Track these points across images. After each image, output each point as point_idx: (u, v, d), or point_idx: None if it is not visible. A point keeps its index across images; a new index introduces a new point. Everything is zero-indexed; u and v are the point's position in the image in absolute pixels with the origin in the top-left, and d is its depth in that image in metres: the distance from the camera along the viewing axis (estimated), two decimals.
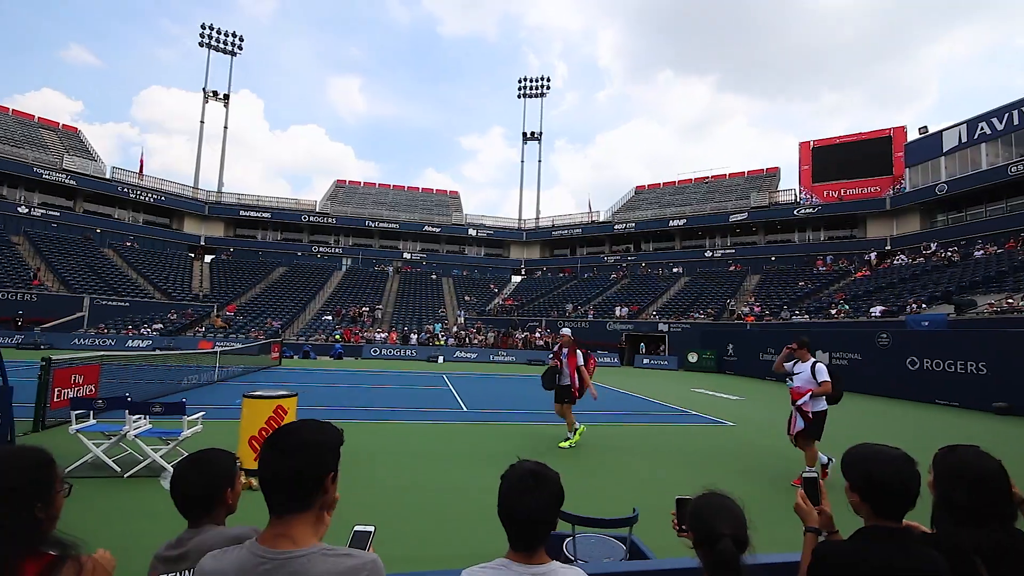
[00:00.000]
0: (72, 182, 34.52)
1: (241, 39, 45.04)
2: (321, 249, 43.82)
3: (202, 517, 1.52)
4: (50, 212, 34.02)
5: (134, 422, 5.84)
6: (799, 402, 5.95)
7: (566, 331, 8.20)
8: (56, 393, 7.78)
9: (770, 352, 21.22)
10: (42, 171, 33.20)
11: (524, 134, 50.45)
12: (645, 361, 28.24)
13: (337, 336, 28.41)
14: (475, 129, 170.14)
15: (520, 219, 48.83)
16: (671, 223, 40.81)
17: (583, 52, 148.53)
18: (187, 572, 1.41)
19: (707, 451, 7.64)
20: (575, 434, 7.64)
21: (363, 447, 6.88)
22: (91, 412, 6.24)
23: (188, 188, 41.48)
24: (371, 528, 1.38)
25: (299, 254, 42.86)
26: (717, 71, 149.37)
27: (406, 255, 45.17)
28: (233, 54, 44.90)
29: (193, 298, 32.45)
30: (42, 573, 1.17)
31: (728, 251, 39.14)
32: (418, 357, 26.99)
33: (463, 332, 30.87)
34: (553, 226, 46.64)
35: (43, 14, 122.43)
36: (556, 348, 8.05)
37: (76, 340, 23.29)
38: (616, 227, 43.44)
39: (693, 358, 26.04)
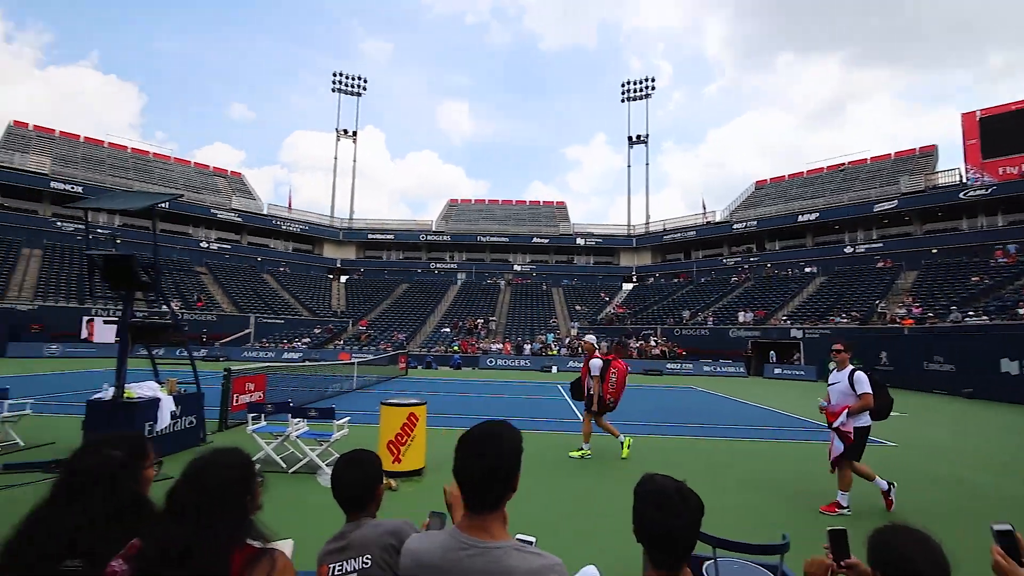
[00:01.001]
0: (239, 219, 40.87)
1: (365, 81, 50.10)
2: (438, 265, 46.68)
3: (359, 511, 1.71)
4: (223, 245, 40.54)
5: (295, 424, 6.71)
6: (835, 424, 5.03)
7: (590, 338, 7.81)
8: (234, 398, 9.23)
9: (938, 360, 18.22)
10: (217, 211, 39.73)
11: (629, 138, 49.34)
12: (776, 371, 25.78)
13: (455, 347, 29.94)
14: (578, 139, 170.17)
15: (629, 225, 47.66)
16: (800, 218, 36.99)
17: (688, 47, 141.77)
18: (350, 561, 1.60)
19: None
20: (587, 447, 7.31)
21: None
22: (262, 415, 7.28)
23: (326, 217, 46.86)
24: (533, 538, 1.43)
25: (419, 271, 46.08)
26: (849, 45, 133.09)
27: (516, 267, 46.34)
28: (359, 95, 50.04)
29: (332, 315, 36.44)
30: (247, 563, 1.27)
31: (874, 245, 34.36)
32: (532, 367, 27.43)
33: (575, 342, 30.77)
34: (664, 230, 44.80)
35: (215, 79, 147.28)
36: (584, 359, 7.69)
37: (245, 353, 27.33)
38: (735, 226, 40.46)
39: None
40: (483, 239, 46.41)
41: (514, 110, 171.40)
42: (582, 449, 7.33)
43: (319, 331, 32.61)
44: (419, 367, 26.10)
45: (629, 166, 49.63)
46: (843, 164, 42.35)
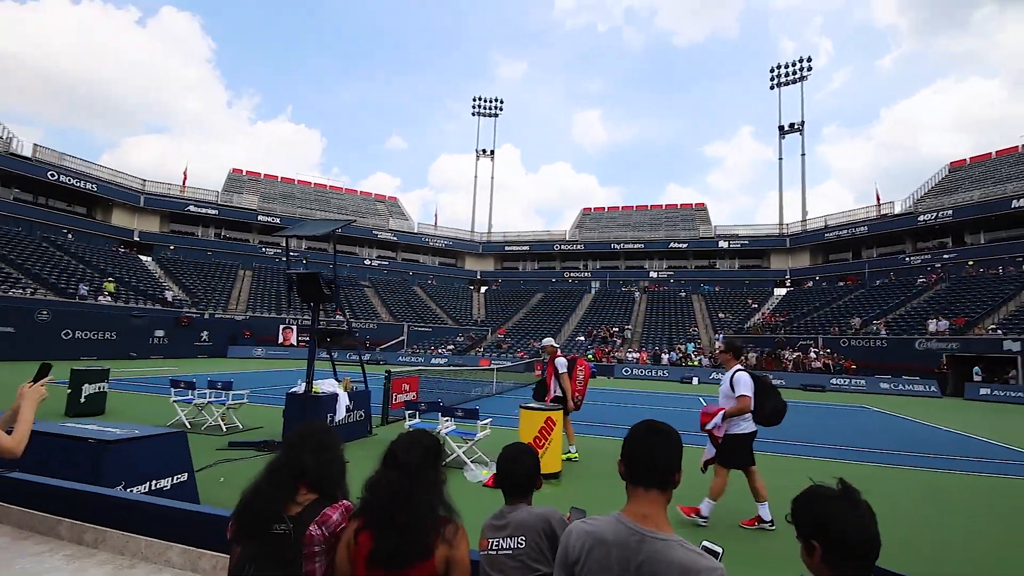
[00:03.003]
0: (395, 238, 45.92)
1: (501, 102, 52.94)
2: (571, 274, 47.10)
3: (519, 497, 1.95)
4: (382, 262, 45.85)
5: (444, 422, 7.43)
6: (708, 425, 4.66)
7: (548, 341, 8.07)
8: (394, 397, 10.48)
9: None
10: (377, 232, 45.13)
11: (781, 127, 44.69)
12: (983, 392, 21.12)
13: (590, 356, 29.89)
14: (718, 135, 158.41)
15: (781, 223, 43.03)
16: (1016, 203, 29.92)
17: (854, 18, 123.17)
18: (507, 539, 1.82)
19: None
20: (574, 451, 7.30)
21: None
22: (416, 413, 8.19)
23: (467, 232, 50.33)
24: (720, 548, 1.46)
25: (553, 280, 46.97)
26: None
27: (652, 274, 44.73)
28: (496, 115, 53.06)
29: (474, 323, 38.92)
30: (442, 524, 1.59)
31: None
32: (671, 378, 26.21)
33: (720, 352, 28.67)
34: (826, 227, 39.53)
35: (377, 116, 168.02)
36: (548, 361, 7.76)
37: (400, 357, 30.52)
38: (922, 218, 34.14)
39: None
40: (617, 246, 45.70)
41: (648, 113, 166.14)
42: (569, 452, 7.28)
43: (462, 338, 35.05)
44: None
45: (781, 158, 44.99)
46: None
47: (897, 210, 36.62)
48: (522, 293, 44.97)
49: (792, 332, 29.91)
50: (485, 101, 52.66)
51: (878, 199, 37.89)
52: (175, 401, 8.96)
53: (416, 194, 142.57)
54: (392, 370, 11.02)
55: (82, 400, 9.29)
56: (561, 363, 7.47)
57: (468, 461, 6.75)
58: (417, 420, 7.90)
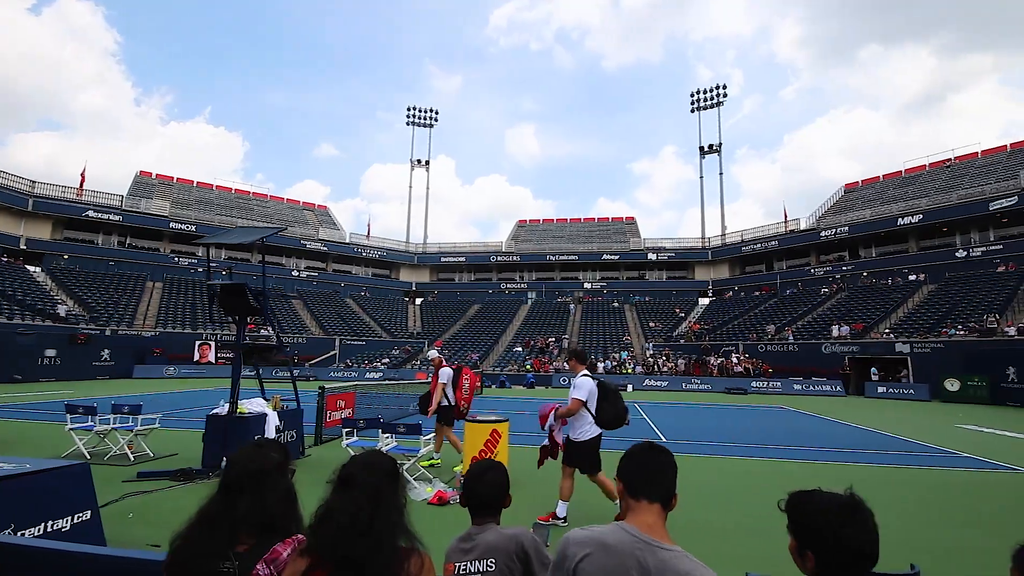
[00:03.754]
0: (325, 248, 43.99)
1: (437, 113, 52.66)
2: (508, 285, 47.37)
3: (487, 517, 1.84)
4: (312, 273, 43.72)
5: (385, 439, 7.07)
6: (544, 426, 5.02)
7: (433, 353, 8.25)
8: (328, 415, 9.88)
9: None
10: (306, 242, 43.05)
11: (701, 148, 47.85)
12: (880, 390, 23.45)
13: (528, 366, 30.06)
14: (645, 153, 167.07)
15: (704, 237, 45.89)
16: (901, 220, 33.82)
17: (760, 52, 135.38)
18: (475, 562, 1.71)
19: (1003, 507, 5.97)
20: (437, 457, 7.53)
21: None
22: (354, 430, 7.74)
23: (402, 243, 49.27)
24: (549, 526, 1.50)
25: (490, 292, 46.98)
26: (947, 29, 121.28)
27: (587, 285, 45.98)
28: (431, 126, 52.66)
29: (409, 336, 37.96)
30: (404, 556, 1.39)
31: (993, 247, 30.63)
32: None
33: (651, 360, 29.85)
34: (742, 241, 42.65)
35: (305, 122, 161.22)
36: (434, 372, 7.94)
37: (332, 373, 29.09)
38: (823, 234, 37.70)
39: (953, 386, 20.79)
40: (552, 258, 46.61)
41: (579, 130, 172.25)
42: (434, 458, 7.59)
43: (397, 352, 34.05)
44: (493, 386, 26.44)
45: (701, 177, 48.09)
46: (949, 160, 38.42)
47: (803, 226, 40.21)
48: (459, 305, 44.56)
49: (716, 339, 31.78)
50: (420, 111, 52.20)
51: (785, 216, 41.48)
52: (71, 429, 7.87)
53: (348, 203, 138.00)
54: (326, 386, 10.41)
55: None
56: (446, 373, 7.71)
57: (411, 479, 6.46)
58: (355, 438, 7.48)
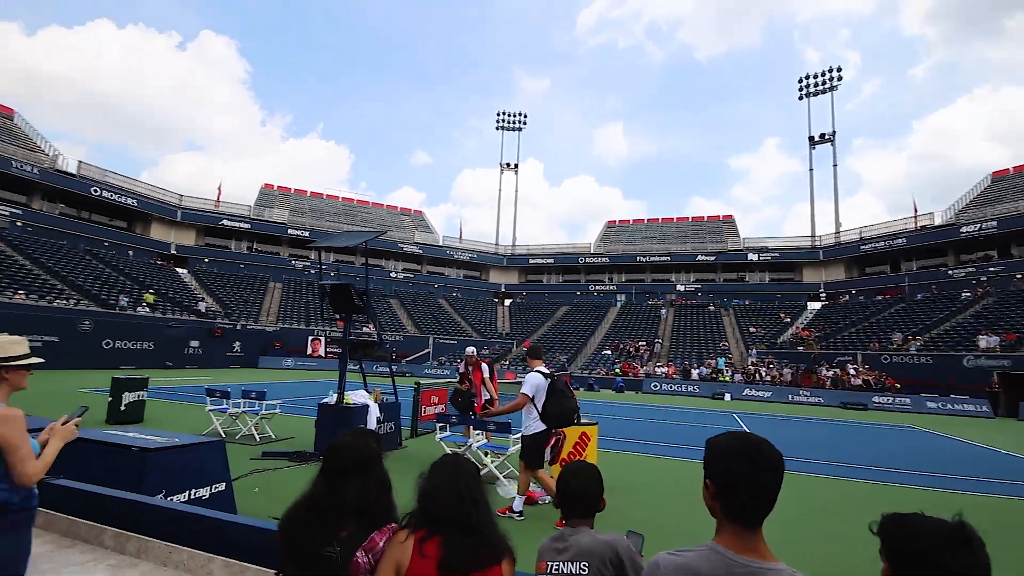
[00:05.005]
0: (420, 251, 46.36)
1: (525, 116, 53.31)
2: (596, 287, 46.65)
3: (581, 519, 1.82)
4: (407, 275, 46.27)
5: (476, 436, 7.29)
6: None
7: (470, 350, 8.58)
8: (423, 409, 10.39)
9: None
10: (403, 245, 45.64)
11: (811, 138, 43.74)
12: None
13: (616, 370, 29.39)
14: (744, 147, 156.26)
15: (814, 236, 41.88)
16: None
17: (881, 29, 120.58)
18: (567, 564, 1.69)
19: None
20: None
21: (677, 483, 6.86)
22: (447, 425, 8.06)
23: (491, 246, 50.49)
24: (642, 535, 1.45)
25: (578, 293, 46.58)
26: None
27: (680, 287, 43.97)
28: (519, 129, 53.43)
29: (498, 336, 38.78)
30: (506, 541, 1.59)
31: None
32: (701, 393, 25.52)
33: (752, 368, 27.81)
34: (861, 239, 38.27)
35: (403, 132, 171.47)
36: (462, 371, 8.33)
37: (426, 369, 30.55)
38: (965, 229, 32.73)
39: None
40: (643, 259, 45.15)
41: (671, 126, 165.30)
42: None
43: (487, 351, 34.90)
44: (581, 388, 26.17)
45: (811, 169, 43.94)
46: None
47: (937, 221, 35.21)
48: (546, 306, 44.70)
49: (828, 348, 28.86)
50: (509, 115, 53.14)
51: (915, 210, 36.57)
52: (211, 410, 9.04)
53: (441, 208, 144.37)
54: (421, 382, 10.95)
55: (122, 408, 9.47)
56: (486, 369, 8.18)
57: (500, 476, 6.59)
58: (448, 433, 7.78)
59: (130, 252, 34.35)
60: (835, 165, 42.49)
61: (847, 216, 64.79)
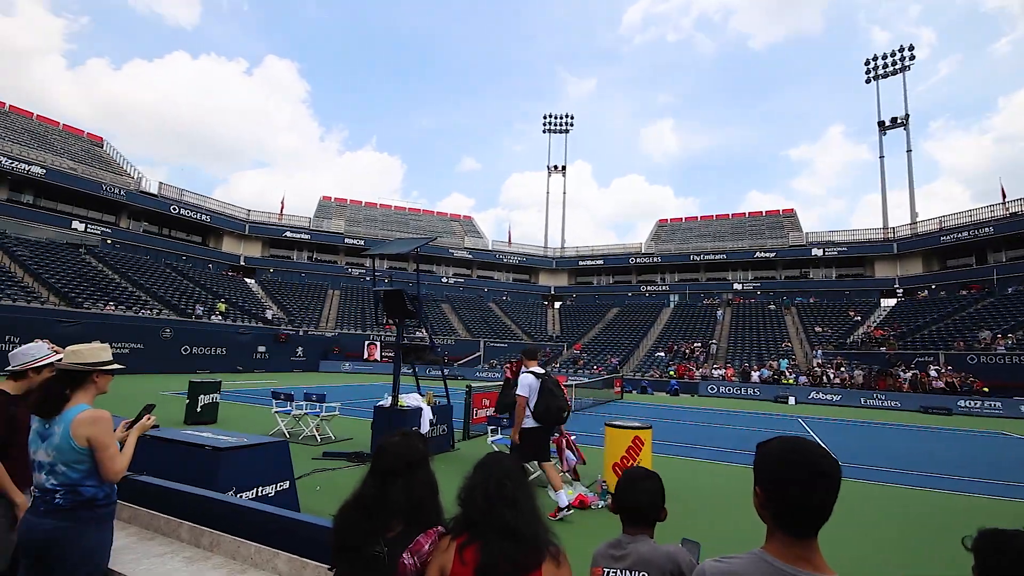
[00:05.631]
0: (470, 256, 47.06)
1: (572, 118, 53.06)
2: (648, 288, 45.57)
3: (640, 527, 1.77)
4: (458, 280, 47.07)
5: None
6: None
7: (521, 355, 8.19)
8: (474, 412, 10.52)
9: None
10: (453, 251, 46.50)
11: (880, 123, 40.87)
12: None
13: (671, 372, 28.56)
14: (805, 137, 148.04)
15: (886, 227, 39.02)
16: None
17: (956, 3, 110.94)
18: (627, 572, 1.66)
19: None
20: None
21: (734, 489, 6.60)
22: (498, 428, 8.13)
23: (540, 248, 50.47)
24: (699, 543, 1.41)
25: (629, 295, 45.68)
26: None
27: (737, 286, 42.19)
28: (566, 131, 53.20)
29: (549, 339, 38.67)
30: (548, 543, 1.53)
31: None
32: (762, 396, 24.33)
33: (819, 369, 26.24)
34: (941, 229, 35.24)
35: (451, 140, 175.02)
36: (514, 367, 7.77)
37: (477, 372, 30.92)
38: None
39: None
40: (696, 258, 43.67)
41: (724, 120, 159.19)
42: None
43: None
44: (634, 391, 25.64)
45: (882, 157, 41.04)
46: None
47: None
48: (597, 308, 44.13)
49: (904, 348, 26.77)
50: (555, 118, 53.03)
51: (1003, 196, 33.25)
52: (276, 412, 9.55)
53: (489, 213, 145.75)
54: (472, 385, 11.10)
55: (198, 409, 10.17)
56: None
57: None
58: (500, 436, 7.83)
59: (209, 265, 37.04)
60: (909, 151, 39.55)
61: (924, 206, 59.95)
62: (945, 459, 9.99)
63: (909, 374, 23.45)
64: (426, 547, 1.56)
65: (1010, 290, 29.90)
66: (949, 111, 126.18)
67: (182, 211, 36.31)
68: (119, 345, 20.02)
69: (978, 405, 20.51)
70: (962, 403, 20.76)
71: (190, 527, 2.70)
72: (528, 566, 1.44)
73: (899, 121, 39.95)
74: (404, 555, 1.53)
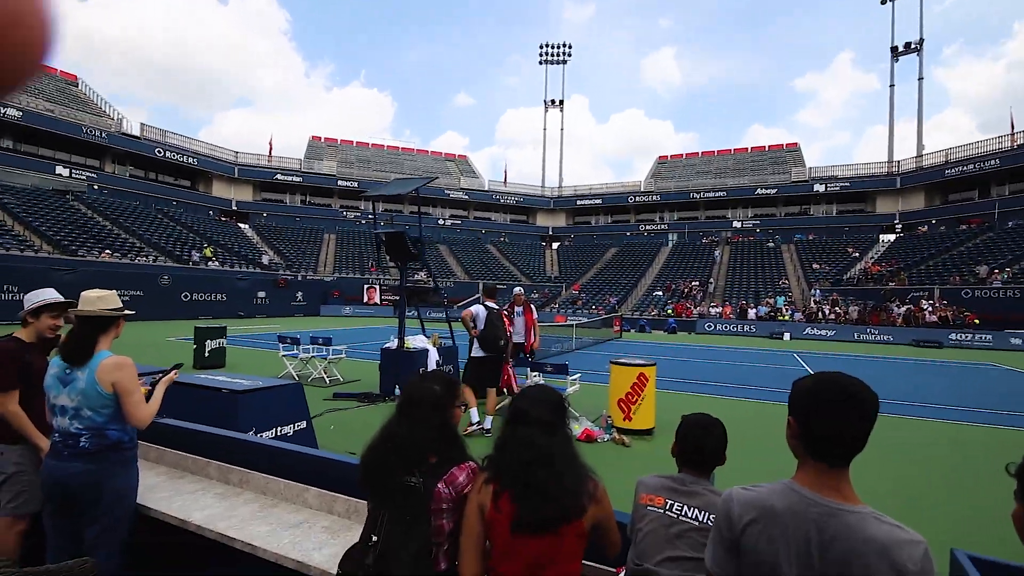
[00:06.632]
0: (466, 196, 46.24)
1: (570, 47, 50.43)
2: (647, 227, 45.25)
3: (701, 472, 1.76)
4: (455, 221, 46.51)
5: (533, 377, 7.44)
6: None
7: (519, 290, 8.97)
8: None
9: None
10: (449, 191, 45.62)
11: (893, 48, 39.01)
12: None
13: (669, 311, 28.94)
14: (812, 66, 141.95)
15: (891, 161, 38.27)
16: None
17: None
18: (696, 510, 1.64)
19: None
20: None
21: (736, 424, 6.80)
22: None
23: (537, 188, 49.57)
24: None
25: (627, 234, 45.41)
26: None
27: (736, 224, 41.92)
28: (564, 62, 50.72)
29: (547, 280, 38.84)
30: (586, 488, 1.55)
31: None
32: (758, 333, 24.82)
33: (815, 306, 26.60)
34: (947, 162, 34.55)
35: (443, 76, 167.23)
36: (507, 308, 8.36)
37: None
38: None
39: None
40: (696, 195, 43.05)
41: (728, 48, 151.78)
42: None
43: (536, 295, 35.12)
44: (632, 331, 26.07)
45: (892, 85, 39.51)
46: None
47: None
48: (595, 248, 43.99)
49: (902, 284, 27.01)
50: (552, 48, 50.39)
51: (1012, 126, 32.33)
52: (283, 355, 9.67)
53: (485, 152, 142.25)
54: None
55: (206, 354, 10.31)
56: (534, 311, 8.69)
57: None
58: None
59: (204, 210, 36.31)
60: (920, 79, 38.05)
61: (931, 138, 58.48)
62: (933, 390, 10.30)
63: (903, 309, 23.83)
64: (460, 478, 1.60)
65: (1010, 224, 29.79)
66: (965, 35, 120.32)
67: (168, 154, 35.12)
68: (120, 293, 19.92)
69: (969, 338, 20.99)
70: (953, 336, 21.24)
71: (218, 465, 2.77)
72: (567, 518, 1.47)
73: (913, 46, 38.14)
74: (439, 484, 1.57)
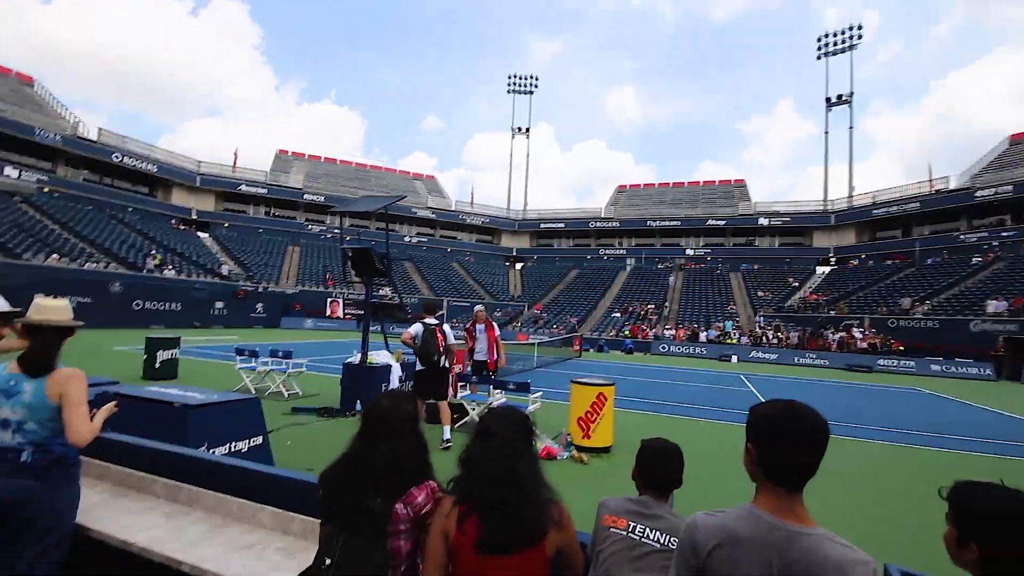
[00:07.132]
0: (433, 215, 46.76)
1: (536, 79, 52.33)
2: (607, 251, 46.90)
3: (661, 495, 1.83)
4: (421, 239, 46.84)
5: (495, 395, 7.56)
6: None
7: (479, 308, 9.04)
8: None
9: None
10: (416, 209, 46.02)
11: (828, 99, 42.56)
12: None
13: (626, 332, 30.11)
14: (757, 109, 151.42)
15: (826, 200, 41.44)
16: None
17: None
18: (657, 532, 1.68)
19: None
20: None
21: (690, 442, 7.43)
22: (467, 385, 8.39)
23: (503, 210, 50.64)
24: None
25: (588, 257, 46.91)
26: None
27: (689, 251, 44.09)
28: (531, 92, 52.51)
29: (510, 299, 39.58)
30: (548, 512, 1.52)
31: None
32: (709, 355, 26.20)
33: (760, 330, 28.34)
34: (874, 203, 37.84)
35: (414, 98, 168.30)
36: (469, 325, 8.81)
37: None
38: (979, 194, 32.24)
39: None
40: (653, 223, 45.14)
41: (682, 90, 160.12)
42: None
43: (499, 314, 35.75)
44: (591, 350, 26.98)
45: (827, 132, 42.99)
46: None
47: (952, 185, 34.66)
48: (557, 270, 45.19)
49: (843, 312, 29.17)
50: (520, 79, 52.16)
51: (930, 174, 35.88)
52: (240, 368, 9.24)
53: (452, 173, 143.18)
54: None
55: (157, 365, 9.91)
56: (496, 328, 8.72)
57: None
58: (468, 392, 8.17)
59: (160, 218, 35.20)
60: (851, 127, 41.63)
61: (861, 180, 63.58)
62: (864, 412, 11.11)
63: (837, 335, 25.78)
64: (419, 498, 1.57)
65: (929, 261, 32.79)
66: (889, 90, 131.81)
67: (125, 159, 34.18)
68: (66, 299, 19.28)
69: (895, 364, 22.91)
70: (881, 362, 23.14)
71: (165, 483, 2.64)
72: (529, 540, 1.46)
73: (844, 98, 41.75)
74: (398, 505, 1.54)
